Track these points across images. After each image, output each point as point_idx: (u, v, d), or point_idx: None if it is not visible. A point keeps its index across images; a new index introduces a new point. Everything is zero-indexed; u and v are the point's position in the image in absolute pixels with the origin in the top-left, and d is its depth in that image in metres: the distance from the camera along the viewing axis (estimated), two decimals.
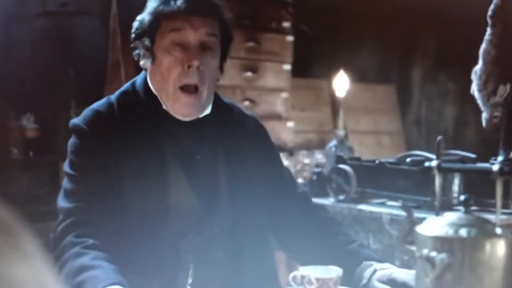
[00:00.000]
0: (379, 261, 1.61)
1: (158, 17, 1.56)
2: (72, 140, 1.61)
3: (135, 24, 1.61)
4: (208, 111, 1.66)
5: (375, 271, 1.55)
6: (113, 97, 1.64)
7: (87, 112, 1.61)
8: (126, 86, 1.68)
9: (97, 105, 1.63)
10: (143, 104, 1.61)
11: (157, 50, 1.58)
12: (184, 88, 1.56)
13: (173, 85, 1.56)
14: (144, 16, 1.59)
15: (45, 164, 3.47)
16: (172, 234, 1.55)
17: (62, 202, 1.55)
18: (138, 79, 1.66)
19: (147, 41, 1.59)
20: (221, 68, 1.66)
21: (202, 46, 1.56)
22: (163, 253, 1.53)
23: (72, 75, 3.66)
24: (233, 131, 1.70)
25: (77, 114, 3.58)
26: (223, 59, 1.66)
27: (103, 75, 3.54)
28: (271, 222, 1.75)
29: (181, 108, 1.58)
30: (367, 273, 1.55)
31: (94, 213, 1.51)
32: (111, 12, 3.50)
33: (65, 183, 1.58)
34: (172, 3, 1.54)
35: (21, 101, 3.59)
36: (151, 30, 1.58)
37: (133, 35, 1.62)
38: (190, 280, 1.55)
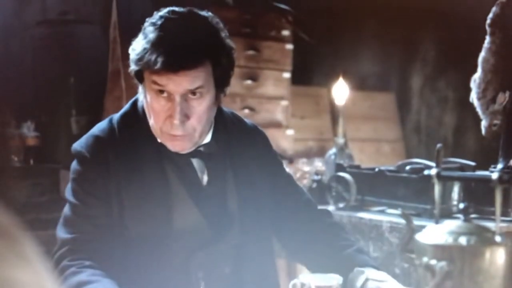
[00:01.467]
0: (375, 267, 1.60)
1: (140, 68, 1.52)
2: (74, 166, 1.60)
3: (130, 59, 1.56)
4: (208, 138, 1.63)
5: (366, 280, 1.54)
6: (115, 119, 1.62)
7: (88, 138, 1.60)
8: (127, 106, 1.66)
9: (98, 129, 1.61)
10: (144, 128, 1.59)
11: (146, 90, 1.55)
12: (172, 134, 1.54)
13: (161, 130, 1.54)
14: (130, 58, 1.54)
15: (45, 172, 3.48)
16: (179, 255, 1.55)
17: (60, 231, 1.56)
18: (141, 98, 1.63)
19: (136, 80, 1.57)
20: (218, 98, 1.59)
21: (187, 95, 1.51)
22: (172, 272, 1.54)
23: (73, 83, 3.66)
24: (239, 148, 1.68)
25: (78, 122, 3.65)
26: (220, 90, 1.59)
27: (103, 83, 3.54)
28: (277, 230, 1.75)
29: (172, 147, 1.57)
30: (359, 283, 1.55)
31: (90, 243, 1.52)
32: (111, 21, 3.51)
33: (66, 210, 1.58)
34: (152, 59, 1.46)
35: (22, 109, 3.59)
36: (137, 74, 1.55)
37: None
38: None
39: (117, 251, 1.54)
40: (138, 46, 1.51)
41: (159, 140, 1.58)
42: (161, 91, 1.50)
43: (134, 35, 1.55)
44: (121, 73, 3.38)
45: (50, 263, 1.51)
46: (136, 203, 1.54)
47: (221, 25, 1.57)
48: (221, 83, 1.57)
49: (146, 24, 1.53)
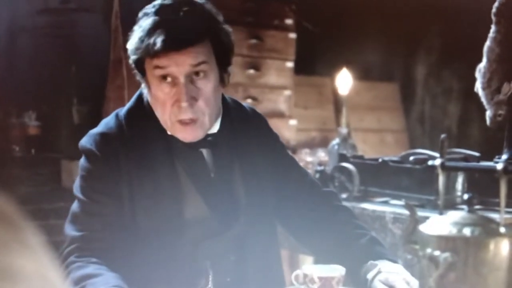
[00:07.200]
0: (391, 260, 1.58)
1: (140, 56, 1.50)
2: (83, 164, 1.58)
3: (128, 52, 1.55)
4: (216, 127, 1.62)
5: (379, 272, 1.52)
6: (121, 114, 1.60)
7: (97, 135, 1.57)
8: (132, 101, 1.64)
9: (106, 126, 1.59)
10: (151, 123, 1.58)
11: (149, 81, 1.53)
12: (181, 121, 1.52)
13: (170, 119, 1.53)
14: (129, 51, 1.53)
15: (46, 161, 3.48)
16: (188, 245, 1.55)
17: (69, 229, 1.55)
18: (145, 93, 1.61)
19: (138, 74, 1.56)
20: (222, 80, 1.58)
21: (191, 76, 1.50)
22: (182, 262, 1.54)
23: (74, 72, 3.66)
24: (244, 136, 1.67)
25: (79, 112, 3.64)
26: (224, 69, 1.58)
27: (105, 72, 3.54)
28: (283, 215, 1.74)
29: (182, 137, 1.55)
30: (371, 274, 1.53)
31: (99, 241, 1.51)
32: (113, 9, 3.50)
33: (74, 207, 1.57)
34: (151, 42, 1.45)
35: (23, 98, 3.59)
36: (138, 65, 1.53)
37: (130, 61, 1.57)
38: (210, 285, 1.56)
39: (127, 246, 1.53)
40: (134, 38, 1.50)
41: (169, 133, 1.56)
42: (164, 77, 1.49)
43: (136, 24, 1.54)
44: (123, 62, 3.37)
45: (58, 260, 1.51)
46: (147, 197, 1.53)
47: (216, 10, 1.57)
48: (223, 61, 1.56)
49: (139, 16, 1.52)
